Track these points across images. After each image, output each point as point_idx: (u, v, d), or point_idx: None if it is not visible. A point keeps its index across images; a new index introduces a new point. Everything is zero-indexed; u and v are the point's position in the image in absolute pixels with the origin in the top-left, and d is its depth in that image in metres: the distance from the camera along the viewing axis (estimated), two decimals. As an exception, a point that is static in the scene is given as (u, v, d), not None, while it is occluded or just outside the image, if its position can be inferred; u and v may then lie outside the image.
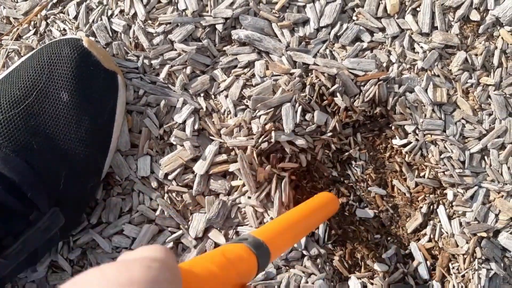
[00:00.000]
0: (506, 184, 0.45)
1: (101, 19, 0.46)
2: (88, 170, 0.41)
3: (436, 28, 0.47)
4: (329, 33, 0.47)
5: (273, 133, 0.44)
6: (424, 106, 0.46)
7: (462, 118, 0.46)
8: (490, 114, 0.46)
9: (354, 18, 0.47)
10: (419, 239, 0.46)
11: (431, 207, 0.46)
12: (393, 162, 0.47)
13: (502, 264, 0.45)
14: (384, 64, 0.46)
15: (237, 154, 0.44)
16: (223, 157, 0.44)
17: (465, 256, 0.44)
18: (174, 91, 0.45)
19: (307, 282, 0.44)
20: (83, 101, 0.40)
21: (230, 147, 0.44)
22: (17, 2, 0.48)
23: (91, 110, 0.40)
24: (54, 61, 0.39)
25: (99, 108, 0.41)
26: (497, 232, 0.46)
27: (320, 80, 0.45)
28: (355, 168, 0.47)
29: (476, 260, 0.44)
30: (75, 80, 0.39)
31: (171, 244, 0.44)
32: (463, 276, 0.44)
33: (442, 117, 0.46)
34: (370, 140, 0.48)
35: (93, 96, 0.40)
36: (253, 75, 0.46)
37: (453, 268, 0.45)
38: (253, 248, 0.28)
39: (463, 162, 0.46)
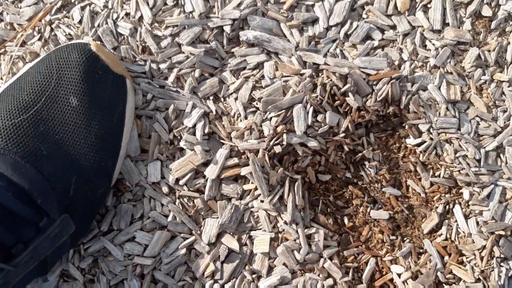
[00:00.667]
0: (523, 181, 0.45)
1: (107, 23, 0.45)
2: (98, 176, 0.40)
3: (448, 24, 0.46)
4: (339, 32, 0.46)
5: (284, 136, 0.43)
6: (438, 104, 0.45)
7: (477, 116, 0.45)
8: (504, 111, 0.46)
9: (364, 16, 0.47)
10: (435, 239, 0.45)
11: (447, 206, 0.45)
12: (407, 162, 0.46)
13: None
14: (396, 62, 0.46)
15: (248, 158, 0.43)
16: (235, 160, 0.44)
17: (483, 255, 0.44)
18: (183, 94, 0.44)
19: (323, 286, 0.43)
20: (92, 105, 0.39)
21: (242, 151, 0.44)
22: (20, 8, 0.47)
23: (100, 115, 0.40)
24: (62, 66, 0.39)
25: (109, 113, 0.40)
26: (515, 231, 0.45)
27: (331, 80, 0.44)
28: (369, 169, 0.47)
29: (495, 258, 0.44)
30: (84, 84, 0.39)
31: (184, 250, 0.43)
32: (482, 272, 0.44)
33: (456, 115, 0.45)
34: (384, 140, 0.47)
35: (102, 100, 0.40)
36: (263, 77, 0.45)
37: (469, 263, 0.44)
38: None
39: (478, 161, 0.45)
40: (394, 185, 0.46)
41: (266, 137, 0.43)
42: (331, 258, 0.44)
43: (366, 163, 0.47)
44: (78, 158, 0.39)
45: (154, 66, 0.45)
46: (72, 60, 0.39)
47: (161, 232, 0.43)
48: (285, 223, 0.44)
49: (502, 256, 0.44)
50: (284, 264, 0.44)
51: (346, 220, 0.46)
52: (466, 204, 0.45)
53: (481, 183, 0.45)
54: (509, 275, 0.44)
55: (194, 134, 0.44)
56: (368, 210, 0.46)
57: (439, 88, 0.45)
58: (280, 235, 0.44)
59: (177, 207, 0.43)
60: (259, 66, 0.46)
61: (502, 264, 0.44)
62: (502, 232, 0.44)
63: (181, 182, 0.43)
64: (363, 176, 0.47)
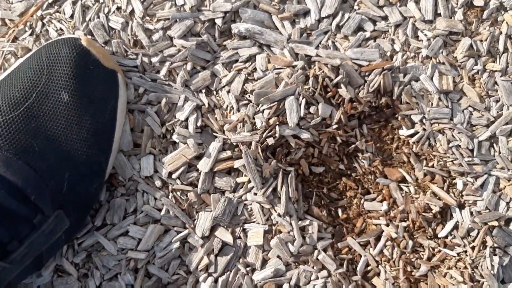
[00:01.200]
0: (516, 171, 0.45)
1: (98, 17, 0.45)
2: (91, 171, 0.40)
3: (440, 14, 0.46)
4: (331, 24, 0.46)
5: (277, 128, 0.43)
6: (430, 94, 0.45)
7: (469, 106, 0.45)
8: (497, 101, 0.46)
9: (356, 7, 0.47)
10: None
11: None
12: (401, 153, 0.46)
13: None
14: (388, 53, 0.46)
15: (241, 150, 0.43)
16: (228, 153, 0.44)
17: (474, 244, 0.44)
18: (175, 88, 0.44)
19: (317, 277, 0.43)
20: (84, 101, 0.39)
21: (234, 143, 0.44)
22: (12, 3, 0.47)
23: (92, 110, 0.40)
24: (53, 61, 0.38)
25: (100, 108, 0.40)
26: (509, 220, 0.45)
27: (323, 71, 0.44)
28: (362, 160, 0.46)
29: (488, 248, 0.43)
30: (75, 79, 0.38)
31: (177, 244, 0.43)
32: (473, 262, 0.44)
33: (449, 105, 0.45)
34: (377, 131, 0.47)
35: (94, 95, 0.40)
36: (255, 69, 0.45)
37: (464, 254, 0.44)
38: None
39: (471, 151, 0.45)
40: (387, 176, 0.46)
41: (258, 129, 0.43)
42: (325, 250, 0.44)
43: (359, 154, 0.47)
44: (71, 153, 0.39)
45: (145, 59, 0.45)
46: (63, 55, 0.39)
47: (154, 226, 0.43)
48: (279, 215, 0.44)
49: (495, 245, 0.44)
50: (278, 256, 0.43)
51: (340, 212, 0.46)
52: (460, 195, 0.45)
53: (474, 173, 0.45)
54: (503, 264, 0.44)
55: (186, 127, 0.44)
56: (362, 201, 0.46)
57: (432, 78, 0.45)
58: (274, 228, 0.44)
59: (170, 201, 0.43)
60: (251, 58, 0.45)
61: (496, 252, 0.44)
62: (496, 223, 0.44)
63: (174, 176, 0.43)
64: (357, 167, 0.47)
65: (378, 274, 0.45)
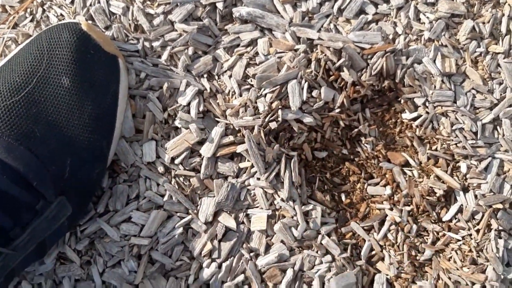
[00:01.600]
0: (520, 153, 0.45)
1: (99, 2, 0.45)
2: (93, 156, 0.40)
3: (442, -3, 0.46)
4: (333, 7, 0.46)
5: (279, 112, 0.43)
6: (433, 77, 0.45)
7: (472, 88, 0.45)
8: (500, 83, 0.45)
9: (357, -9, 0.46)
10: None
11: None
12: (404, 137, 0.46)
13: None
14: (390, 36, 0.45)
15: (244, 135, 0.43)
16: (230, 138, 0.43)
17: (479, 227, 0.43)
18: (176, 73, 0.44)
19: (321, 262, 0.43)
20: (84, 85, 0.39)
21: (237, 128, 0.43)
22: (12, -10, 0.46)
23: (93, 95, 0.39)
24: (53, 46, 0.38)
25: (102, 93, 0.40)
26: (513, 203, 0.45)
27: (325, 55, 0.44)
28: (365, 144, 0.46)
29: (493, 231, 0.43)
30: (76, 64, 0.38)
31: (180, 230, 0.43)
32: (478, 245, 0.43)
33: (452, 87, 0.45)
34: (379, 115, 0.47)
35: (95, 80, 0.39)
36: (257, 53, 0.45)
37: (469, 237, 0.44)
38: None
39: (475, 133, 0.45)
40: (390, 160, 0.46)
41: (261, 113, 0.43)
42: (329, 235, 0.44)
43: (362, 139, 0.46)
44: (72, 139, 0.38)
45: (147, 44, 0.44)
46: (63, 40, 0.38)
47: (157, 212, 0.43)
48: (282, 200, 0.43)
49: (500, 228, 0.44)
50: (281, 241, 0.43)
51: (343, 197, 0.46)
52: (464, 178, 0.45)
53: (478, 156, 0.45)
54: (508, 247, 0.44)
55: (188, 112, 0.43)
56: (365, 186, 0.46)
57: (434, 61, 0.45)
58: (277, 213, 0.44)
59: (173, 187, 0.43)
60: (253, 43, 0.45)
61: (501, 235, 0.43)
62: (500, 206, 0.44)
63: (176, 161, 0.43)
64: (360, 152, 0.46)
65: (383, 259, 0.44)
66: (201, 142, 0.43)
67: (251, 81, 0.44)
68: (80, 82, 0.39)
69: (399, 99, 0.46)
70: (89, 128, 0.39)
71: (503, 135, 0.45)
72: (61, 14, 0.45)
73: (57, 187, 0.37)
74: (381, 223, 0.45)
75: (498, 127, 0.45)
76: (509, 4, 0.46)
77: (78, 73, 0.38)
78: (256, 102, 0.44)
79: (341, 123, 0.45)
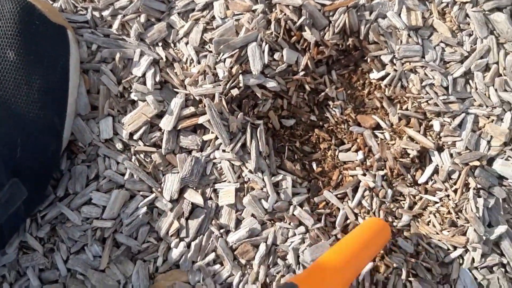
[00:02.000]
0: (495, 107, 0.43)
1: (42, -27, 0.42)
2: (45, 133, 0.37)
3: (404, -51, 0.44)
4: (291, -34, 0.44)
5: (240, 77, 0.41)
6: (399, 31, 0.43)
7: (441, 42, 0.43)
8: (470, 35, 0.44)
9: None
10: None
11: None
12: (373, 99, 0.44)
13: (500, 193, 0.42)
14: (353, -8, 0.43)
15: (205, 105, 0.41)
16: (191, 109, 0.41)
17: (456, 187, 0.42)
18: (129, 42, 0.42)
19: (294, 234, 0.41)
20: (31, 59, 0.36)
21: (197, 98, 0.41)
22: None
23: (41, 69, 0.37)
24: None
25: (50, 66, 0.38)
26: (491, 160, 0.43)
27: (285, 14, 0.42)
28: (333, 109, 0.44)
29: (471, 190, 0.41)
30: (21, 36, 0.36)
31: (144, 209, 0.40)
32: (456, 206, 0.42)
33: (420, 42, 0.43)
34: (346, 77, 0.45)
35: (42, 53, 0.37)
36: (213, 17, 0.43)
37: (447, 199, 0.42)
38: None
39: (446, 88, 0.43)
40: (361, 124, 0.44)
41: (221, 80, 0.41)
42: (301, 205, 0.42)
43: (330, 103, 0.44)
44: (21, 116, 0.36)
45: (96, 14, 0.42)
46: (6, 11, 0.36)
47: (118, 192, 0.40)
48: (250, 171, 0.41)
49: (479, 186, 0.42)
50: (252, 215, 0.41)
51: (314, 165, 0.44)
52: (438, 136, 0.43)
53: (451, 112, 0.43)
54: (488, 206, 0.42)
55: (144, 83, 0.41)
56: (336, 153, 0.44)
57: (399, 14, 0.43)
58: (245, 185, 0.41)
59: (134, 164, 0.41)
60: (209, 6, 0.43)
61: (480, 194, 0.42)
62: (477, 163, 0.42)
63: (135, 137, 0.41)
64: (329, 117, 0.44)
65: (358, 226, 0.43)
66: (160, 115, 0.41)
67: (210, 47, 0.42)
68: (26, 55, 0.36)
69: (366, 58, 0.44)
70: (39, 104, 0.37)
71: (476, 89, 0.43)
72: (3, -12, 0.43)
73: (8, 167, 0.35)
74: (355, 190, 0.43)
75: (470, 81, 0.43)
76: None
77: (23, 45, 0.36)
78: (215, 69, 0.41)
79: (307, 87, 0.43)
